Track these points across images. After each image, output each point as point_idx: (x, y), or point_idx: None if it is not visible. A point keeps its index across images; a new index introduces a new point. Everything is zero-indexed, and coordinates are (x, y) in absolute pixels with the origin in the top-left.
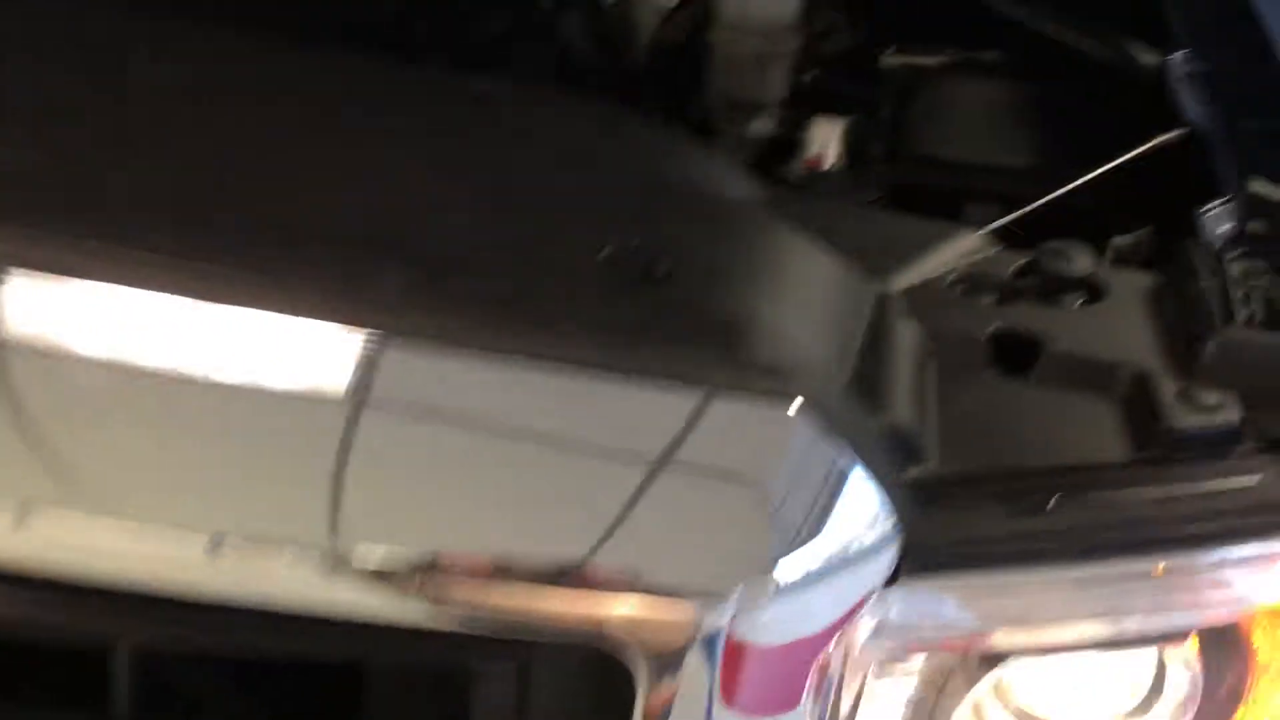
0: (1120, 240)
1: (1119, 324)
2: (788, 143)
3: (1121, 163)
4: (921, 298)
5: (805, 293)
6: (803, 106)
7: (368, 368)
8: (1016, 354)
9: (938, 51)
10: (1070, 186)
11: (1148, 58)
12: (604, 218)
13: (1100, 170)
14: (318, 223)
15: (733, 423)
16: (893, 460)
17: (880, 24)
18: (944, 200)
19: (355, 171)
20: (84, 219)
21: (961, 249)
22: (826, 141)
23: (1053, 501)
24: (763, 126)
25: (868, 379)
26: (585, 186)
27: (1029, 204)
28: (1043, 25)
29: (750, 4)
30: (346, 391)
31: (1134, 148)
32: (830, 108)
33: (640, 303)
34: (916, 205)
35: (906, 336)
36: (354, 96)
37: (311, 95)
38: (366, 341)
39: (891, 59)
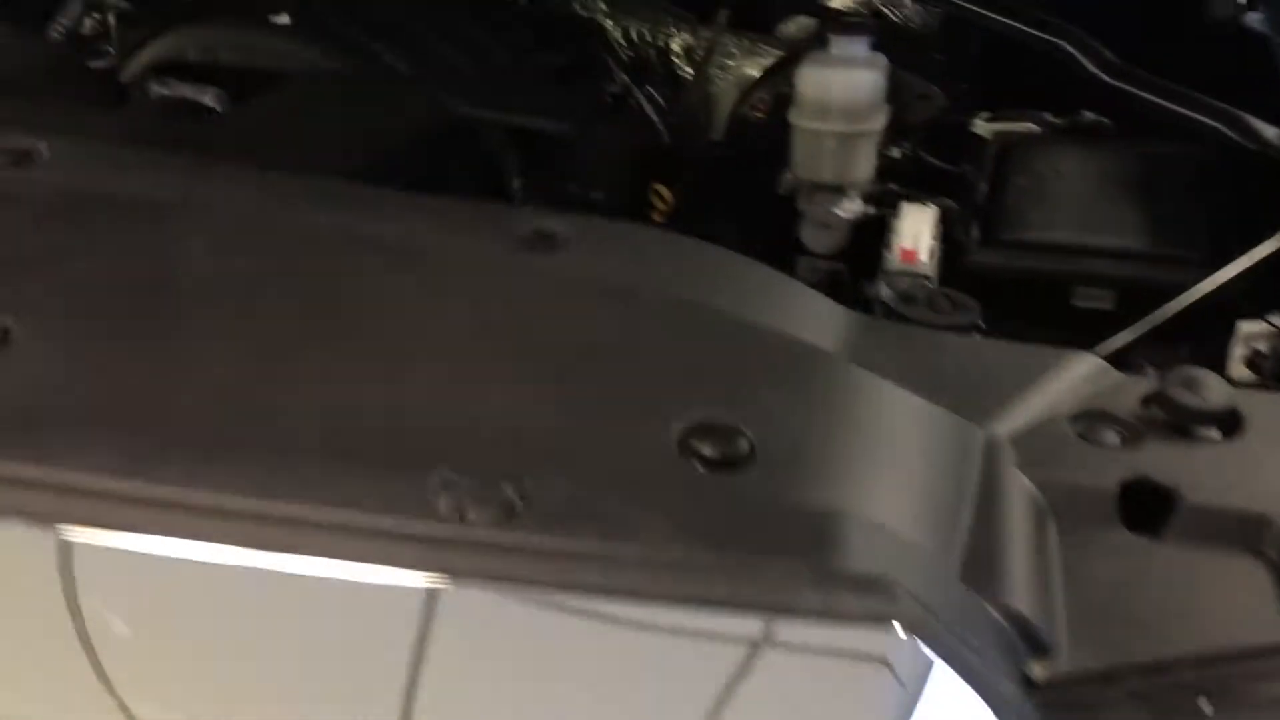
0: (1248, 328)
1: (1263, 464)
2: (878, 223)
3: (1257, 254)
4: (1036, 443)
5: (904, 461)
6: (893, 181)
7: (426, 616)
8: (1149, 506)
9: (1033, 117)
10: (1203, 285)
11: (1267, 130)
12: (677, 382)
13: (1234, 265)
14: (357, 425)
15: (828, 653)
16: (1016, 659)
17: (972, 89)
18: (1049, 287)
19: (396, 349)
20: (116, 454)
21: (1076, 377)
22: (919, 231)
23: (1206, 706)
24: (850, 208)
25: (980, 559)
26: (654, 342)
27: (1142, 289)
28: (1147, 93)
29: (833, 85)
30: (405, 644)
31: (1252, 225)
32: (921, 182)
33: (720, 496)
34: (1018, 292)
35: (1022, 495)
36: (389, 257)
37: (335, 258)
38: (424, 588)
39: (985, 125)
